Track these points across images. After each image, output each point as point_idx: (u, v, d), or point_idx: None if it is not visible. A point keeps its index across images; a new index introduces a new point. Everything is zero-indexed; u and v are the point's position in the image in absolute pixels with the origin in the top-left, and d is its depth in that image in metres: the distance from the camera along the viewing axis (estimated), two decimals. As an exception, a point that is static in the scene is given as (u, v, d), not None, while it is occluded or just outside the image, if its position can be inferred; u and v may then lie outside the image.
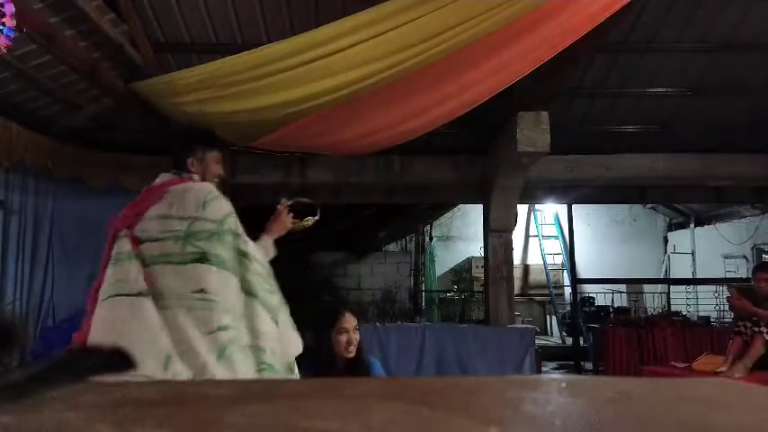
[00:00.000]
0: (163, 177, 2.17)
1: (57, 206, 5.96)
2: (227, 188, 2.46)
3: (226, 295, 1.83)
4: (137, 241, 1.92)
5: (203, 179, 2.20)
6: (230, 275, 1.87)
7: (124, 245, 1.95)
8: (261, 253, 2.04)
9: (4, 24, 2.40)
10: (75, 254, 5.99)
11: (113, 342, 1.65)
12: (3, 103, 4.59)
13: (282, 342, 1.92)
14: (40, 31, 3.14)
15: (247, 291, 1.88)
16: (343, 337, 2.50)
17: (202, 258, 1.84)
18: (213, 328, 1.76)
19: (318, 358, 2.47)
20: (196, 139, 2.36)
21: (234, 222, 1.98)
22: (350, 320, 2.54)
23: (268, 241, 2.19)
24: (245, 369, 1.74)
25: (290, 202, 2.30)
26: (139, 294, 1.81)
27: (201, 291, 1.79)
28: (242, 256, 1.93)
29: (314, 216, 2.35)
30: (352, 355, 2.50)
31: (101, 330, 1.80)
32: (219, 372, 1.67)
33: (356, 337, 2.53)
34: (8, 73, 4.27)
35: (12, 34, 2.47)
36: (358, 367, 2.52)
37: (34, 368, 0.39)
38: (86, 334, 1.84)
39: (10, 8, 2.41)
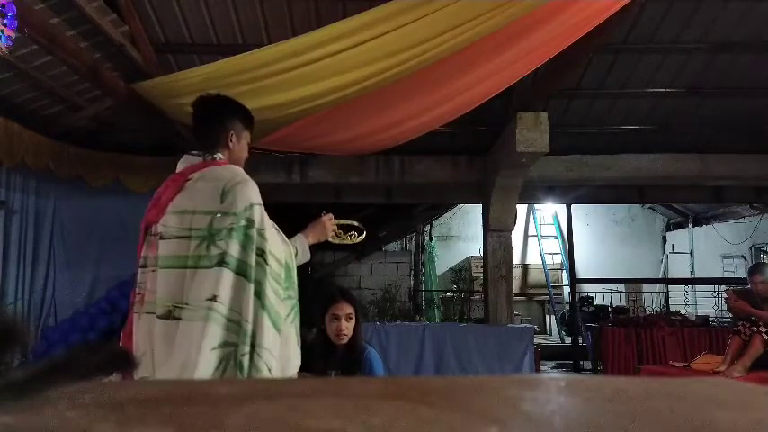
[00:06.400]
0: (187, 160, 1.81)
1: (58, 206, 5.97)
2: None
3: (234, 302, 1.58)
4: (160, 237, 1.69)
5: (229, 162, 1.83)
6: (246, 282, 1.59)
7: (147, 248, 1.72)
8: (284, 249, 1.73)
9: (5, 25, 2.40)
10: (76, 254, 6.01)
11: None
12: (4, 103, 4.60)
13: (282, 358, 1.66)
14: (41, 31, 3.14)
15: (259, 300, 1.62)
16: (334, 324, 2.45)
17: (221, 261, 1.58)
18: (217, 343, 1.54)
19: (312, 339, 2.43)
20: (238, 109, 1.91)
21: (258, 214, 1.66)
22: (343, 307, 2.47)
23: (305, 243, 1.90)
24: None
25: (339, 222, 2.08)
26: (152, 313, 1.63)
27: (213, 298, 1.56)
28: (260, 255, 1.63)
29: (360, 235, 2.18)
30: (343, 341, 2.46)
31: (139, 346, 1.64)
32: None
33: (348, 325, 2.46)
34: (10, 73, 4.27)
35: (13, 35, 2.47)
36: (350, 354, 2.47)
37: (35, 367, 0.39)
38: (128, 340, 1.68)
39: (11, 9, 2.41)
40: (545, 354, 6.95)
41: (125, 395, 0.42)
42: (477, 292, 9.42)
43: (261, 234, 1.64)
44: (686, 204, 10.45)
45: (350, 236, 2.13)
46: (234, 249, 1.60)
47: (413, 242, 10.76)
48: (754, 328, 3.87)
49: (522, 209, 9.76)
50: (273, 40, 3.75)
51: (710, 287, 8.93)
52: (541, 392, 0.45)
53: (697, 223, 10.86)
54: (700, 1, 4.05)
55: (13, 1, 2.43)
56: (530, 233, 11.68)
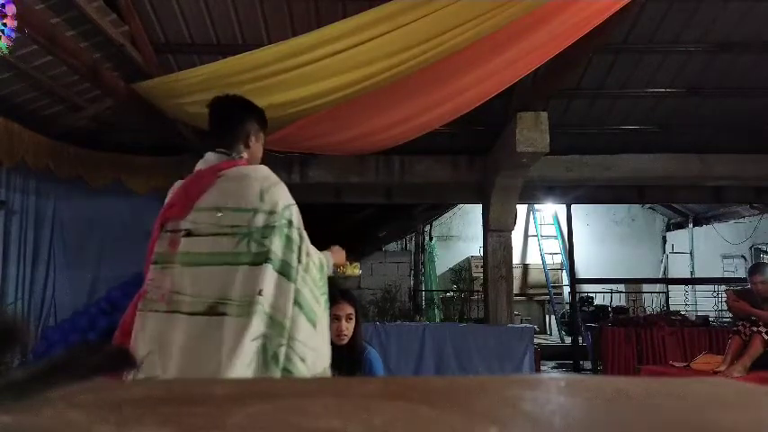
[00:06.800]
0: (211, 158, 1.79)
1: (58, 206, 5.97)
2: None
3: (276, 300, 1.60)
4: (183, 235, 1.66)
5: (249, 163, 1.84)
6: (286, 281, 1.62)
7: (163, 245, 1.69)
8: (316, 251, 1.79)
9: (5, 25, 2.40)
10: (76, 254, 6.01)
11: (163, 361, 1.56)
12: (4, 103, 4.60)
13: (318, 351, 1.70)
14: (41, 31, 3.14)
15: (295, 299, 1.64)
16: (334, 325, 2.42)
17: (266, 259, 1.60)
18: (257, 335, 1.56)
19: None
20: (255, 110, 1.94)
21: (295, 215, 1.70)
22: (343, 308, 2.45)
23: (330, 258, 1.92)
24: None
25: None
26: (174, 312, 1.60)
27: (259, 292, 1.58)
28: (298, 254, 1.67)
29: (359, 269, 2.31)
30: (344, 342, 2.44)
31: (142, 345, 1.61)
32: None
33: (349, 325, 2.46)
34: (10, 73, 4.27)
35: (13, 35, 2.47)
36: (351, 355, 2.45)
37: (35, 368, 0.39)
38: (125, 338, 1.65)
39: (11, 9, 2.41)
40: (545, 354, 6.95)
41: (125, 395, 0.42)
42: (478, 292, 9.42)
43: (299, 234, 1.69)
44: (686, 204, 10.45)
45: (353, 267, 2.25)
46: (277, 248, 1.63)
47: (413, 242, 10.76)
48: (754, 328, 3.87)
49: (522, 209, 9.75)
50: (273, 40, 3.75)
51: (710, 287, 8.93)
52: (541, 393, 0.45)
53: (697, 223, 10.86)
54: (700, 1, 4.05)
55: (12, 0, 2.43)
56: (530, 233, 11.68)
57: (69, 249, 5.99)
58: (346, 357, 2.46)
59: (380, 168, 5.93)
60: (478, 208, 6.41)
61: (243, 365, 1.51)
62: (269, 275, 1.60)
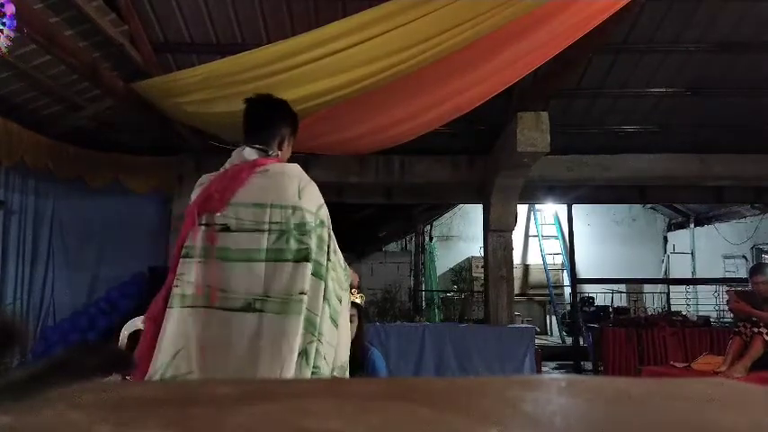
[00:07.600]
0: (246, 153, 1.75)
1: (57, 206, 5.98)
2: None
3: (311, 299, 1.61)
4: (219, 229, 1.63)
5: None
6: (319, 280, 1.64)
7: (198, 238, 1.64)
8: (341, 256, 1.81)
9: (4, 24, 2.40)
10: (75, 254, 6.01)
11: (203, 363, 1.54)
12: (3, 103, 4.60)
13: (338, 346, 1.72)
14: (40, 31, 3.14)
15: (323, 295, 1.66)
16: None
17: (307, 257, 1.60)
18: (300, 333, 1.57)
19: None
20: (291, 114, 1.95)
21: (327, 214, 1.73)
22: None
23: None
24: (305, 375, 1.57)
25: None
26: (211, 308, 1.57)
27: (304, 291, 1.57)
28: (327, 253, 1.68)
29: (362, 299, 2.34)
30: None
31: (174, 342, 1.56)
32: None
33: (351, 327, 2.41)
34: (9, 73, 4.27)
35: (12, 34, 2.47)
36: (353, 356, 2.47)
37: (34, 368, 0.39)
38: (150, 343, 1.58)
39: (10, 8, 2.41)
40: (546, 354, 6.94)
41: (125, 395, 0.42)
42: (478, 292, 9.42)
43: (328, 233, 1.71)
44: (687, 204, 10.45)
45: (357, 296, 2.32)
46: (313, 246, 1.64)
47: (413, 242, 10.76)
48: (755, 329, 3.87)
49: (522, 209, 9.76)
50: (273, 40, 3.74)
51: (712, 287, 8.93)
52: (542, 393, 0.45)
53: (698, 223, 10.86)
54: (700, 1, 4.05)
55: (11, 0, 2.43)
56: (530, 233, 11.68)
57: (68, 249, 6.00)
58: (349, 359, 2.47)
59: (380, 168, 5.93)
60: (479, 208, 6.41)
61: (293, 365, 1.52)
62: (309, 274, 1.61)
